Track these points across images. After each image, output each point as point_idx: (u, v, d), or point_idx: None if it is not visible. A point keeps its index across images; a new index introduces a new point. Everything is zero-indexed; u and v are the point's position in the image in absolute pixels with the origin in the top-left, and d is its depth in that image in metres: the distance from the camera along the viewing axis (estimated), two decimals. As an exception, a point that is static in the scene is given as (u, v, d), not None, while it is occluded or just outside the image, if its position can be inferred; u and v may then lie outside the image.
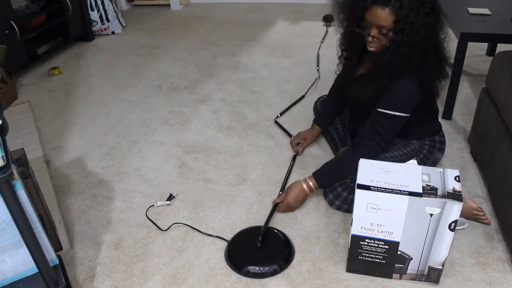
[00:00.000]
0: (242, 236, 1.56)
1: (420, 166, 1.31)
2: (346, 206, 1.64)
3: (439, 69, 1.52)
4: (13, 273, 1.18)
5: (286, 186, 1.74)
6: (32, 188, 1.37)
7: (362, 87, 1.61)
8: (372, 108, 1.54)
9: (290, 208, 1.67)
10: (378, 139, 1.53)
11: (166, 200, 1.75)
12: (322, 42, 3.30)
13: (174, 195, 1.78)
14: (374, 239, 1.32)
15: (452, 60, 1.91)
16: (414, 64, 1.43)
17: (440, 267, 1.33)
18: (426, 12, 1.37)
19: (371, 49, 1.49)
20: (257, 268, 1.42)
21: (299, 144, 2.03)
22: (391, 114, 1.49)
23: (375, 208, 1.26)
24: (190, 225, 1.63)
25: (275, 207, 1.67)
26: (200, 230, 1.61)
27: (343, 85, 1.78)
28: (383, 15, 1.39)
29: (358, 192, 1.25)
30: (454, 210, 1.21)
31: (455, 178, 1.27)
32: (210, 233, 1.59)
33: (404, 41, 1.39)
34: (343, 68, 1.75)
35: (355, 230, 1.32)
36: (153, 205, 1.75)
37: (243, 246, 1.51)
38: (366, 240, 1.33)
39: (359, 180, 1.27)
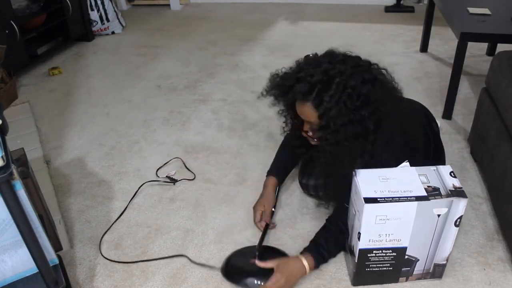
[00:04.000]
0: (237, 257, 1.47)
1: (414, 168, 1.30)
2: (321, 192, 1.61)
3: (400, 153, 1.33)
4: (13, 273, 1.18)
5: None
6: (32, 188, 1.37)
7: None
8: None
9: None
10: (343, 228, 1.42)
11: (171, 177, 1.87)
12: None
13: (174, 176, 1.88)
14: (382, 249, 1.29)
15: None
16: (347, 161, 1.28)
17: (445, 262, 1.34)
18: (355, 106, 1.21)
19: (313, 143, 1.39)
20: (256, 282, 1.35)
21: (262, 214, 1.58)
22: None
23: (383, 219, 1.23)
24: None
25: (267, 228, 1.54)
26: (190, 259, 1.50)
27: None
28: (306, 111, 1.28)
29: (366, 207, 1.21)
30: (460, 206, 1.22)
31: (450, 174, 1.27)
32: (202, 263, 1.48)
33: (327, 140, 1.26)
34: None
35: (363, 244, 1.28)
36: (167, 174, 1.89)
37: (240, 266, 1.43)
38: (374, 251, 1.30)
39: (364, 194, 1.22)
